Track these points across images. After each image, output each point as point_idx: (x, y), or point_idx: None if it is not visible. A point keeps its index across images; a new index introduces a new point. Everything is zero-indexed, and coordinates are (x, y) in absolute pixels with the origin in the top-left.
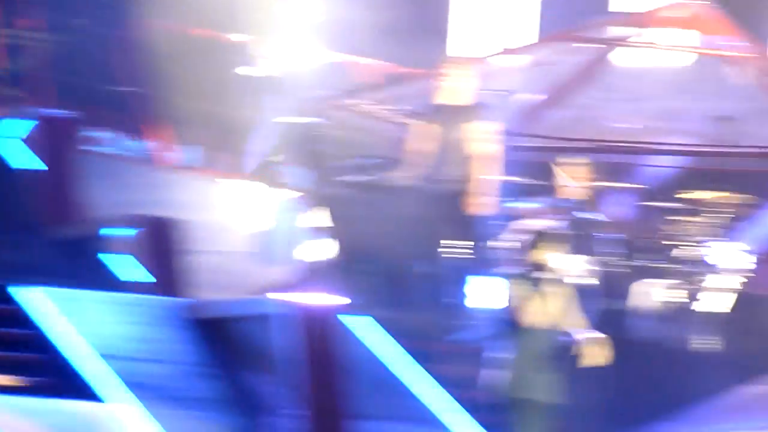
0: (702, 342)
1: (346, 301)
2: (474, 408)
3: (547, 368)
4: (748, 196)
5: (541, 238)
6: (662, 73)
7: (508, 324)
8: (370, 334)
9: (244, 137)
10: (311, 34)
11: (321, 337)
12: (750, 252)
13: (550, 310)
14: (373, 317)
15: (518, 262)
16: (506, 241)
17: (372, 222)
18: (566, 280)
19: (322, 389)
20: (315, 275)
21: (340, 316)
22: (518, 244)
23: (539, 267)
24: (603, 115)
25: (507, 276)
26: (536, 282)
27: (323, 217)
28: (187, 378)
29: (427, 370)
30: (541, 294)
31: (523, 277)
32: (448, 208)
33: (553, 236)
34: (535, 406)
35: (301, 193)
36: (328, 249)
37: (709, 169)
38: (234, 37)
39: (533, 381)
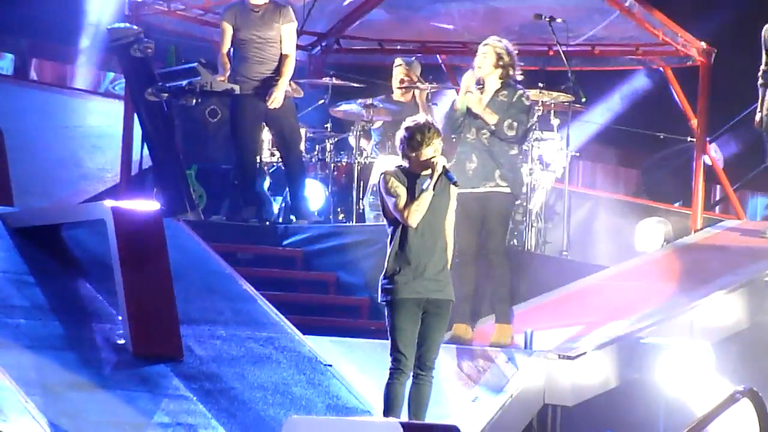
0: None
1: (169, 205)
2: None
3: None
4: (566, 94)
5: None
6: None
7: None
8: (194, 238)
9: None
10: None
11: (145, 242)
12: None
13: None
14: (201, 221)
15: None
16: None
17: (193, 126)
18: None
19: (147, 294)
20: (137, 181)
21: (162, 221)
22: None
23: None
24: (426, 16)
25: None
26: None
27: (144, 124)
28: (7, 286)
29: (250, 273)
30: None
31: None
32: (265, 109)
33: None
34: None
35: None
36: (150, 154)
37: (531, 69)
38: None
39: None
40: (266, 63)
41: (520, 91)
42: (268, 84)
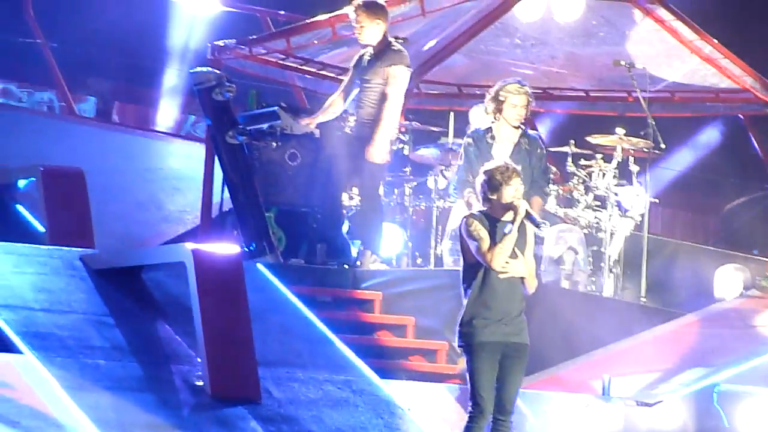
0: (608, 285)
1: (249, 248)
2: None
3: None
4: (646, 140)
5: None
6: (562, 19)
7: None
8: (273, 281)
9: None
10: None
11: (224, 285)
12: (647, 195)
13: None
14: (280, 264)
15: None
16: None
17: (273, 169)
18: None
19: (226, 336)
20: (217, 224)
21: (242, 264)
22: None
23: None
24: (505, 61)
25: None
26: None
27: (225, 167)
28: (87, 327)
29: (328, 316)
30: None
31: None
32: (354, 152)
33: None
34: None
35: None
36: (231, 197)
37: (609, 114)
38: None
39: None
40: (363, 107)
41: (539, 141)
42: (359, 128)
